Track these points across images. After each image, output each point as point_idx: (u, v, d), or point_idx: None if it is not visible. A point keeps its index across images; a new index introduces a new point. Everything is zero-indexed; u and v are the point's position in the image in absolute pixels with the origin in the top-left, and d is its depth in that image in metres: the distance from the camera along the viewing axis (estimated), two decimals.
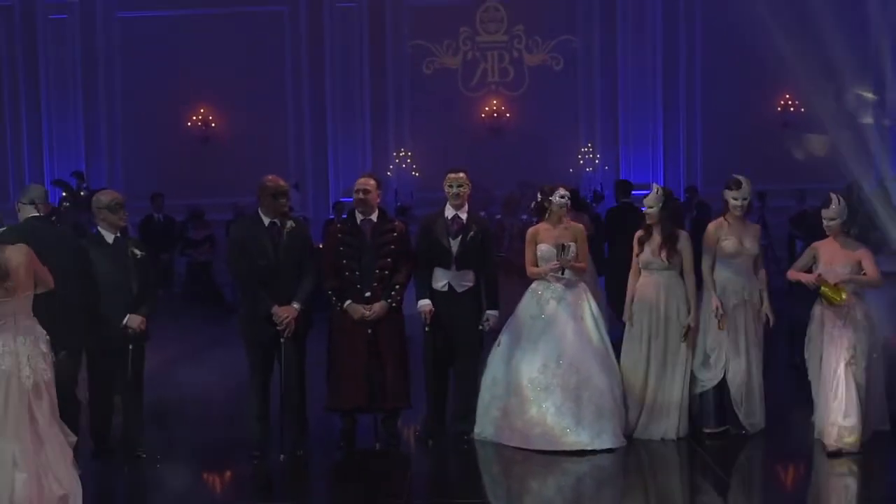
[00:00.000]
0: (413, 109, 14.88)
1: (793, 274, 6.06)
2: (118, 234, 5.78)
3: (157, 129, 14.62)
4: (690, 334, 6.07)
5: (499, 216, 13.02)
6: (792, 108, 14.45)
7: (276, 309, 5.67)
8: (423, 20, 14.80)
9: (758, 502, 5.51)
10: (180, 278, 13.21)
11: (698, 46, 14.69)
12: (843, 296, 5.67)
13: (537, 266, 6.14)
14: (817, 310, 5.93)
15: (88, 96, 14.92)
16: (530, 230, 6.32)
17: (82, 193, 12.58)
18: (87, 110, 14.91)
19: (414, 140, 14.69)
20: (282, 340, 5.71)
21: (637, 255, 6.22)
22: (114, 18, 14.85)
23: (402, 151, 14.63)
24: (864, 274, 5.83)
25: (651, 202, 6.13)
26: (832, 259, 5.91)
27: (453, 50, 14.94)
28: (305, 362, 5.91)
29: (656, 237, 6.11)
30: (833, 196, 5.92)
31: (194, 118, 14.82)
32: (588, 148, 14.56)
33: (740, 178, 6.08)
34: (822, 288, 5.73)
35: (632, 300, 6.18)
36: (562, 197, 6.15)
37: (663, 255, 6.07)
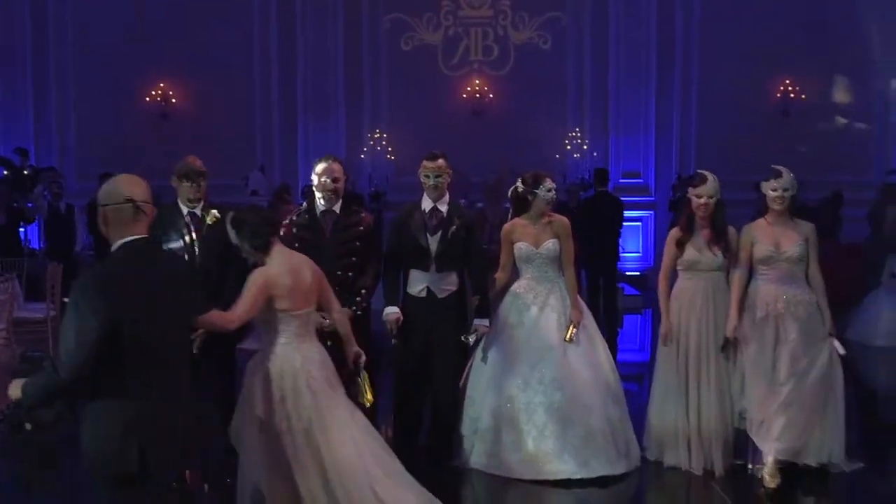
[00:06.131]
0: (390, 88, 13.92)
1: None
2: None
3: (112, 103, 13.49)
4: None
5: (480, 204, 12.16)
6: (793, 95, 13.74)
7: None
8: None
9: None
10: None
11: (695, 27, 13.85)
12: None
13: (511, 268, 5.37)
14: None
15: (38, 65, 13.77)
16: (505, 226, 5.45)
17: (25, 172, 11.69)
18: (37, 81, 13.78)
19: (390, 121, 13.76)
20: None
21: (676, 257, 5.30)
22: None
23: (377, 133, 13.68)
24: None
25: (710, 192, 5.21)
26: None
27: (434, 25, 13.97)
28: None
29: (704, 231, 5.24)
30: (780, 168, 5.14)
31: (153, 93, 13.72)
32: (576, 133, 13.72)
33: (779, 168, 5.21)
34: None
35: (667, 311, 5.26)
36: (549, 191, 5.30)
37: (715, 250, 5.23)
